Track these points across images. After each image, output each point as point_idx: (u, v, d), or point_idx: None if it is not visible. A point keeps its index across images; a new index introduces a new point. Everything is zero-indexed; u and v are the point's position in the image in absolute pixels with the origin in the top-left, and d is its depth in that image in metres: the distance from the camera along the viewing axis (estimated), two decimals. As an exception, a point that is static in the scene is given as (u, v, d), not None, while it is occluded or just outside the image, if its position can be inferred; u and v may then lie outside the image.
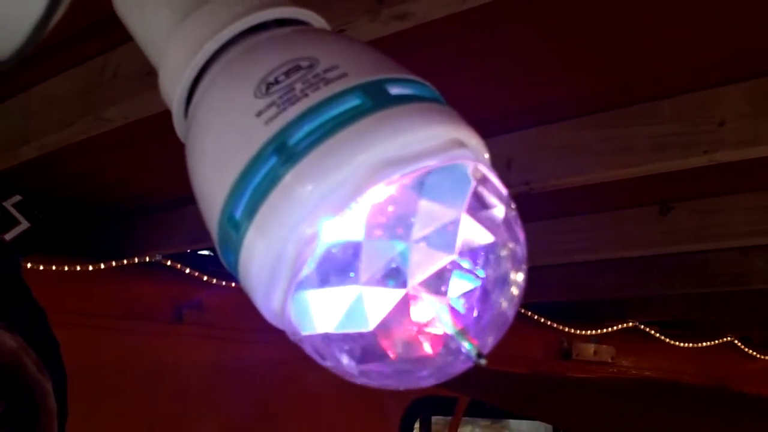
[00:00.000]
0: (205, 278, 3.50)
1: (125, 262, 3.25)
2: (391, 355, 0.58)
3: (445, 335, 0.57)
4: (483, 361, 0.56)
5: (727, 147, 2.01)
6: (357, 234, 0.54)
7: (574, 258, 3.32)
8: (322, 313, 0.57)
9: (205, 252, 3.66)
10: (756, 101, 1.98)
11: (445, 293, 0.56)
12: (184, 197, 2.99)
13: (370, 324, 0.56)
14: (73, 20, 1.84)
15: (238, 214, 0.55)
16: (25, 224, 2.36)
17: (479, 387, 3.69)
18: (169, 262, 3.36)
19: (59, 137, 2.14)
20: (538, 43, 1.92)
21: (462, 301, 0.57)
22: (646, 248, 3.08)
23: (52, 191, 2.97)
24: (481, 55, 1.95)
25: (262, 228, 0.54)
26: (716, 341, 5.03)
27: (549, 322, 4.51)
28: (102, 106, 1.98)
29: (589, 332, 4.71)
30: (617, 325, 4.70)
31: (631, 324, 4.71)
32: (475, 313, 0.57)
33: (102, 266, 3.24)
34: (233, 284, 3.56)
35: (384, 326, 0.56)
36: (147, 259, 3.28)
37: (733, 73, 1.99)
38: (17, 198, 2.38)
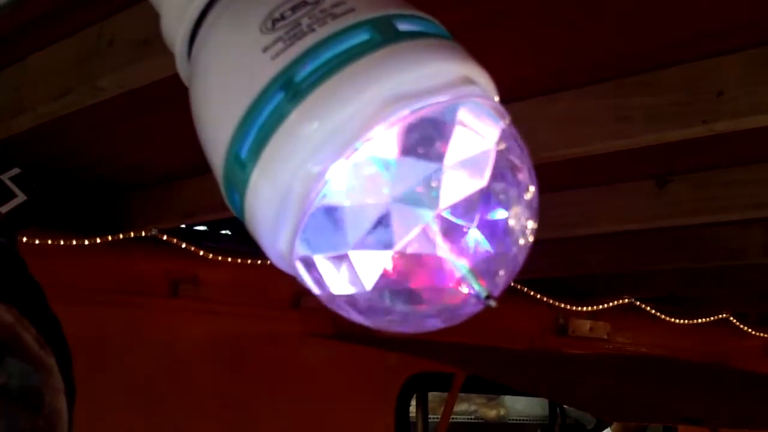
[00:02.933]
0: (201, 253, 3.49)
1: (121, 236, 3.23)
2: (401, 306, 0.57)
3: (454, 279, 0.56)
4: (493, 303, 0.55)
5: (727, 117, 2.00)
6: (350, 191, 0.53)
7: (570, 232, 3.31)
8: (319, 278, 0.56)
9: (201, 227, 3.65)
10: (755, 71, 1.96)
11: (446, 239, 0.55)
12: (181, 171, 2.98)
13: (371, 280, 0.55)
14: (68, -12, 1.83)
15: (244, 153, 0.54)
16: (21, 197, 2.35)
17: (476, 363, 3.70)
18: (165, 237, 3.34)
19: (54, 107, 2.12)
20: (535, 11, 1.90)
21: (463, 243, 0.56)
22: (643, 222, 3.07)
23: (47, 164, 2.95)
24: (475, 24, 1.93)
25: (267, 167, 0.53)
26: (712, 318, 5.04)
27: (545, 298, 4.51)
28: (97, 75, 1.96)
29: (584, 308, 4.71)
30: (613, 302, 4.70)
31: (626, 300, 4.71)
32: (478, 255, 0.56)
33: (97, 240, 3.23)
34: (229, 259, 3.55)
35: (387, 280, 0.55)
36: (143, 234, 3.27)
37: (732, 43, 1.97)
38: (15, 171, 2.36)
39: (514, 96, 2.26)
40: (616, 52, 2.08)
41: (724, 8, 1.85)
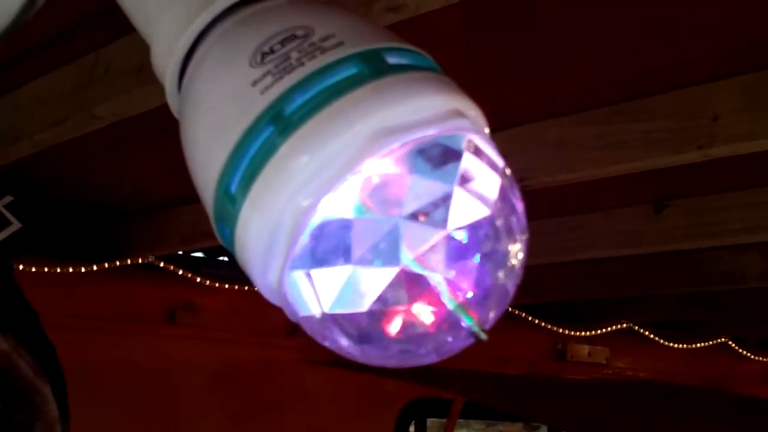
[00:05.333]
0: (198, 279, 3.49)
1: (117, 263, 3.23)
2: (390, 334, 0.57)
3: (445, 311, 0.56)
4: (484, 336, 0.55)
5: (722, 142, 2.00)
6: (348, 211, 0.53)
7: (567, 257, 3.31)
8: (316, 294, 0.56)
9: (198, 254, 3.65)
10: (750, 96, 1.97)
11: (441, 268, 0.55)
12: (178, 197, 2.98)
13: (365, 303, 0.55)
14: (64, 17, 1.83)
15: (234, 187, 0.54)
16: (16, 225, 2.34)
17: (474, 389, 3.68)
18: (161, 264, 3.34)
19: (50, 135, 2.12)
20: (530, 39, 1.91)
21: (459, 275, 0.56)
22: (640, 247, 3.07)
23: (44, 191, 2.95)
24: (471, 50, 1.94)
25: (258, 201, 0.53)
26: (710, 342, 5.02)
27: (543, 324, 4.50)
28: (93, 103, 1.96)
29: (583, 333, 4.70)
30: (611, 326, 4.69)
31: (625, 325, 4.70)
32: (473, 288, 0.56)
33: (94, 268, 3.22)
34: (226, 285, 3.55)
35: (380, 305, 0.55)
36: (139, 261, 3.26)
37: (727, 68, 1.98)
38: (9, 198, 2.36)
39: (510, 122, 2.26)
40: (611, 77, 2.09)
41: (719, 33, 1.86)
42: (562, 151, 2.24)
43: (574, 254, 3.23)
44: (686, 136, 2.05)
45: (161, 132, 2.26)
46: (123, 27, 1.82)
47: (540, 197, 2.46)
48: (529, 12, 1.81)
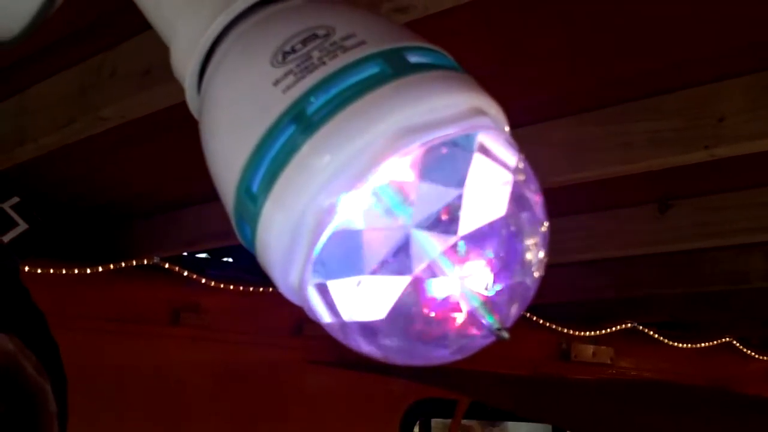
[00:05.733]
0: (203, 281, 3.49)
1: (122, 264, 3.23)
2: (413, 338, 0.57)
3: (466, 312, 0.56)
4: (506, 335, 0.55)
5: (728, 142, 2.00)
6: (363, 218, 0.53)
7: (572, 257, 3.31)
8: (334, 304, 0.56)
9: (203, 255, 3.65)
10: (756, 96, 1.97)
11: (458, 270, 0.55)
12: (183, 198, 2.98)
13: (384, 310, 0.55)
14: (71, 19, 1.83)
15: (255, 186, 0.54)
16: (23, 226, 2.34)
17: (479, 389, 3.68)
18: (166, 265, 3.34)
19: (56, 137, 2.12)
20: (538, 39, 1.91)
21: (477, 275, 0.56)
22: (645, 247, 3.07)
23: (49, 193, 2.95)
24: (479, 51, 1.94)
25: (279, 200, 0.53)
26: (715, 342, 5.02)
27: (547, 324, 4.50)
28: (99, 105, 1.96)
29: (587, 333, 4.70)
30: (616, 326, 4.68)
31: (629, 325, 4.69)
32: (492, 286, 0.56)
33: (99, 269, 3.22)
34: (231, 287, 3.54)
35: (400, 310, 0.55)
36: (144, 262, 3.26)
37: (733, 68, 1.98)
38: (15, 200, 2.36)
39: (517, 122, 2.26)
40: (618, 77, 2.09)
41: (724, 34, 1.86)
42: (568, 151, 2.25)
43: (579, 254, 3.23)
44: (692, 135, 2.05)
45: (167, 134, 2.27)
46: (130, 30, 1.83)
47: (545, 197, 2.46)
48: (536, 13, 1.81)
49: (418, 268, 0.54)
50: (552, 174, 2.28)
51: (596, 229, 3.07)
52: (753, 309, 4.15)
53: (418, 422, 4.31)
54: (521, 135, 2.15)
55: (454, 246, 0.54)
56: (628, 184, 2.47)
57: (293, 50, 0.54)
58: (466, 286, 0.55)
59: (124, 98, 1.92)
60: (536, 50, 1.96)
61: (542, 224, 0.57)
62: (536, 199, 0.57)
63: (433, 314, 0.56)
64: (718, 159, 2.07)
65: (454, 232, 0.54)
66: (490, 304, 0.56)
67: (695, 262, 3.43)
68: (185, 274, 3.42)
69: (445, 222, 0.54)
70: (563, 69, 2.04)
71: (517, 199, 0.57)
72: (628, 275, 3.66)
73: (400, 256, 0.53)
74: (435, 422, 4.57)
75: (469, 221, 0.54)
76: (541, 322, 4.46)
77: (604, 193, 2.79)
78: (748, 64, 1.96)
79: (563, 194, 2.51)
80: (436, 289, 0.55)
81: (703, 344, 4.97)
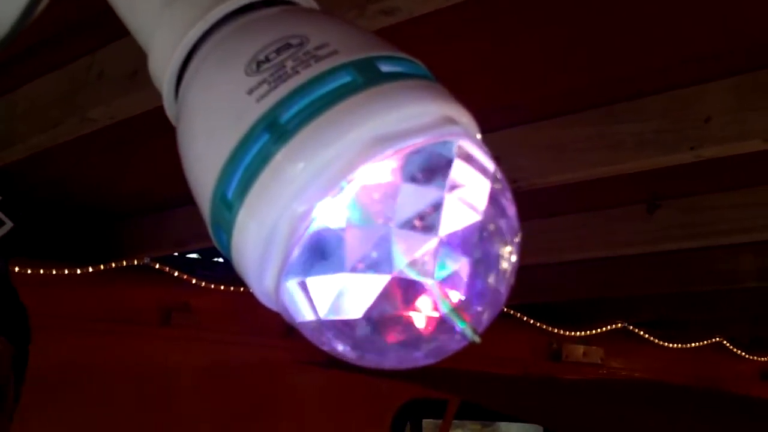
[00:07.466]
0: (194, 281, 3.49)
1: (113, 265, 3.23)
2: (386, 339, 0.58)
3: (439, 315, 0.57)
4: (477, 339, 0.56)
5: (714, 143, 2.02)
6: (342, 220, 0.54)
7: (562, 257, 3.32)
8: (311, 302, 0.57)
9: (194, 255, 3.65)
10: (741, 97, 1.98)
11: (433, 274, 0.56)
12: (172, 199, 2.98)
13: (360, 310, 0.56)
14: (58, 20, 1.84)
15: (230, 193, 0.54)
16: (9, 224, 2.34)
17: (470, 389, 3.69)
18: (157, 265, 3.34)
19: (45, 138, 2.13)
20: (523, 40, 1.92)
21: (451, 280, 0.57)
22: (633, 247, 3.08)
23: (38, 194, 2.96)
24: (465, 53, 1.95)
25: (253, 207, 0.53)
26: (705, 342, 5.04)
27: (538, 324, 4.51)
28: (88, 106, 1.97)
29: (578, 333, 4.72)
30: (606, 326, 4.70)
31: (620, 325, 4.71)
32: (465, 292, 0.57)
33: (90, 269, 3.23)
34: (222, 287, 3.55)
35: (375, 311, 0.56)
36: (135, 262, 3.27)
37: (719, 69, 1.99)
38: (-2, 198, 2.35)
39: (503, 123, 2.27)
40: (604, 78, 2.10)
41: (711, 34, 1.87)
42: (555, 152, 2.26)
43: (568, 254, 3.24)
44: (679, 136, 2.06)
45: (155, 135, 2.27)
46: (117, 31, 1.83)
47: (533, 198, 2.48)
48: (521, 15, 1.82)
49: (392, 273, 0.54)
50: (539, 175, 2.30)
51: (585, 229, 3.09)
52: (743, 308, 4.17)
53: (409, 423, 4.32)
54: (508, 136, 2.16)
55: (429, 250, 0.55)
56: (616, 184, 2.48)
57: (267, 59, 0.55)
58: (440, 290, 0.56)
59: (113, 99, 1.92)
60: (522, 53, 1.97)
61: (516, 233, 0.58)
62: (511, 207, 0.58)
63: (406, 316, 0.57)
64: (706, 159, 2.08)
65: (430, 236, 0.55)
66: (463, 308, 0.56)
67: (684, 261, 3.44)
68: (176, 274, 3.43)
69: (420, 226, 0.54)
70: (550, 71, 2.05)
71: (494, 206, 0.57)
72: (618, 275, 3.67)
73: (374, 259, 0.54)
74: (426, 422, 4.57)
75: (445, 226, 0.55)
76: (531, 322, 4.47)
77: (592, 193, 2.80)
78: (734, 65, 1.97)
79: (552, 195, 2.52)
80: (410, 291, 0.56)
81: (693, 344, 4.99)
